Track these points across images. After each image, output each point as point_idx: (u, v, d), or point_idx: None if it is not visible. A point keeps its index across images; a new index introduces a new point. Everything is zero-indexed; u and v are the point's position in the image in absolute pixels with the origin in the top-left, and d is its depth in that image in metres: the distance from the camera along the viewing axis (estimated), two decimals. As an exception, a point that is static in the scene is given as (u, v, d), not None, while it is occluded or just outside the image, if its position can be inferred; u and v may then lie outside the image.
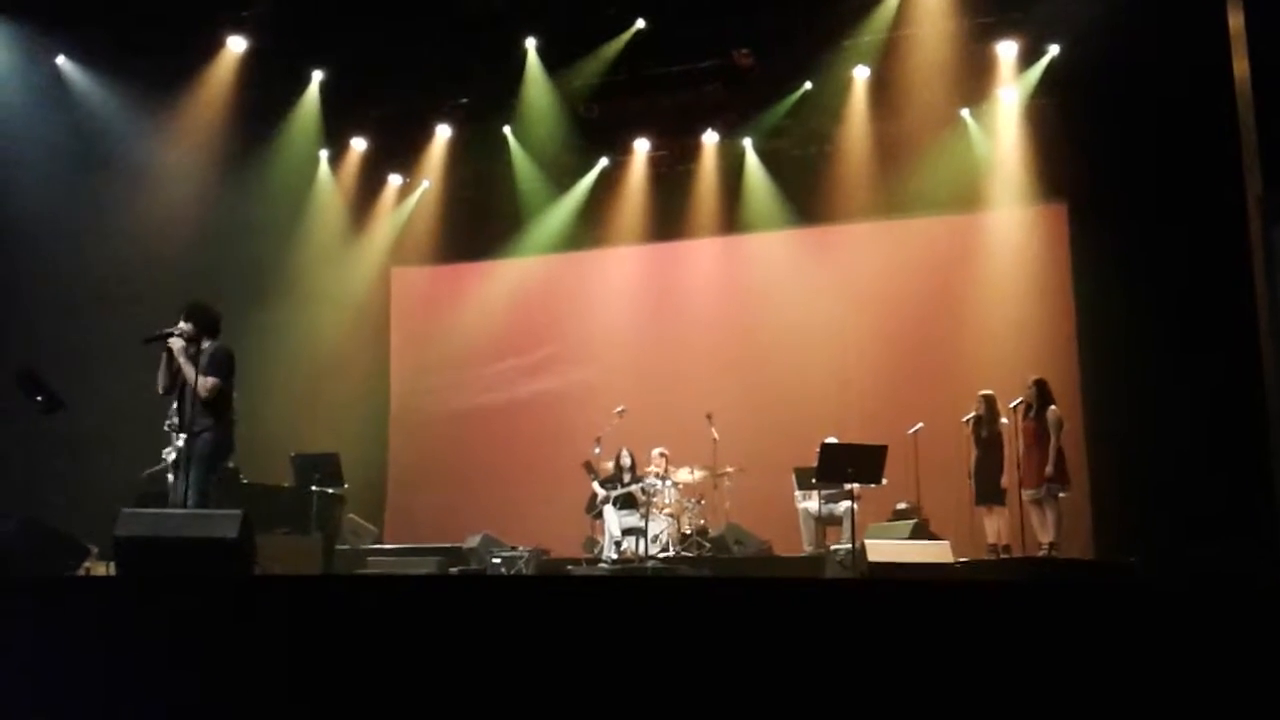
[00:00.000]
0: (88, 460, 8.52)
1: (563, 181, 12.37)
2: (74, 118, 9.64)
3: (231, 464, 9.13)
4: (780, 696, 3.51)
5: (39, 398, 6.74)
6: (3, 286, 8.72)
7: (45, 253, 9.03)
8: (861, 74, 10.74)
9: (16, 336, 8.34)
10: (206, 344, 6.47)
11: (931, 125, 11.01)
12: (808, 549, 9.77)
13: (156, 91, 9.94)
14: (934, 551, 7.36)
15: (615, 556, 9.77)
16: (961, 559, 7.72)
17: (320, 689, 3.84)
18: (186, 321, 6.44)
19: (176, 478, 6.52)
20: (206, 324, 6.51)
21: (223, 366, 6.43)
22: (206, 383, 6.35)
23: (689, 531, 9.97)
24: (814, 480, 9.04)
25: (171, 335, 6.36)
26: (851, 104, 11.00)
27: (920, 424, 9.55)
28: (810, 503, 9.83)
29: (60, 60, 9.73)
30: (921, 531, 8.71)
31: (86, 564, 6.85)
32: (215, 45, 10.13)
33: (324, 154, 12.06)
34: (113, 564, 6.02)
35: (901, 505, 9.53)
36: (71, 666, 3.81)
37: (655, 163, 12.22)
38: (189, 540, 5.47)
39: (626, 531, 9.92)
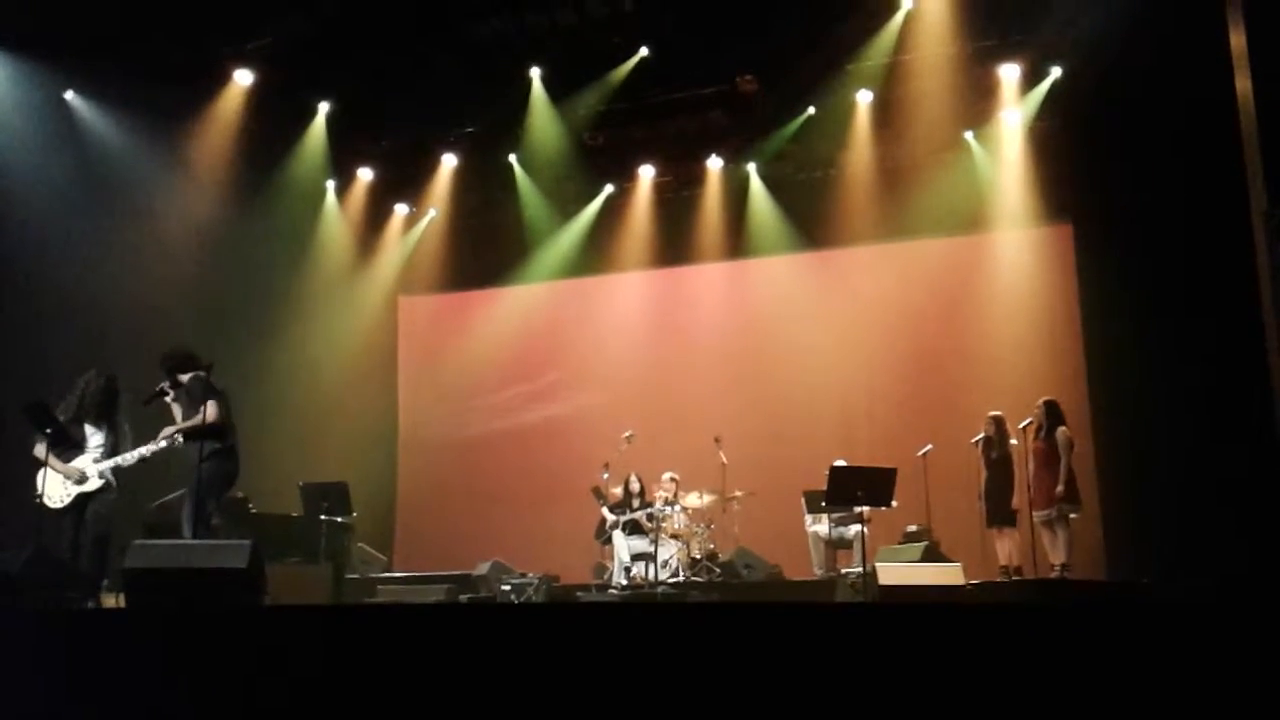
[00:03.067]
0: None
1: (568, 209, 12.46)
2: (82, 152, 9.68)
3: (240, 493, 9.20)
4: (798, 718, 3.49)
5: (48, 429, 6.75)
6: (12, 319, 8.73)
7: (53, 284, 9.04)
8: (864, 98, 10.78)
9: (25, 369, 8.34)
10: (184, 378, 6.79)
11: (935, 148, 11.05)
12: (818, 573, 9.74)
13: (164, 125, 10.00)
14: (945, 574, 7.32)
15: (625, 582, 9.74)
16: (973, 581, 7.69)
17: (331, 719, 3.82)
18: (170, 374, 6.81)
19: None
20: (183, 365, 6.86)
21: (206, 391, 6.69)
22: (211, 411, 6.59)
23: (698, 556, 9.94)
24: (824, 504, 9.00)
25: (167, 392, 6.77)
26: (855, 128, 11.04)
27: (929, 446, 9.53)
28: (820, 526, 9.79)
29: (69, 95, 9.79)
30: (933, 554, 8.66)
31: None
32: (222, 78, 10.22)
33: (331, 184, 12.14)
34: (122, 595, 6.02)
35: (912, 528, 9.49)
36: (82, 699, 3.80)
37: (660, 189, 12.28)
38: (198, 571, 5.47)
39: (636, 557, 9.90)
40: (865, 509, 8.58)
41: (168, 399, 6.82)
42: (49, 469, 6.77)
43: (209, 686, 3.83)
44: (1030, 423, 8.82)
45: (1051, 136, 10.58)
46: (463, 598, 9.41)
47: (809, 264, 11.91)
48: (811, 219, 11.64)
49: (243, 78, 10.27)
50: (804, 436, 11.05)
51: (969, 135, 10.99)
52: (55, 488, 6.78)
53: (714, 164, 11.88)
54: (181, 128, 10.18)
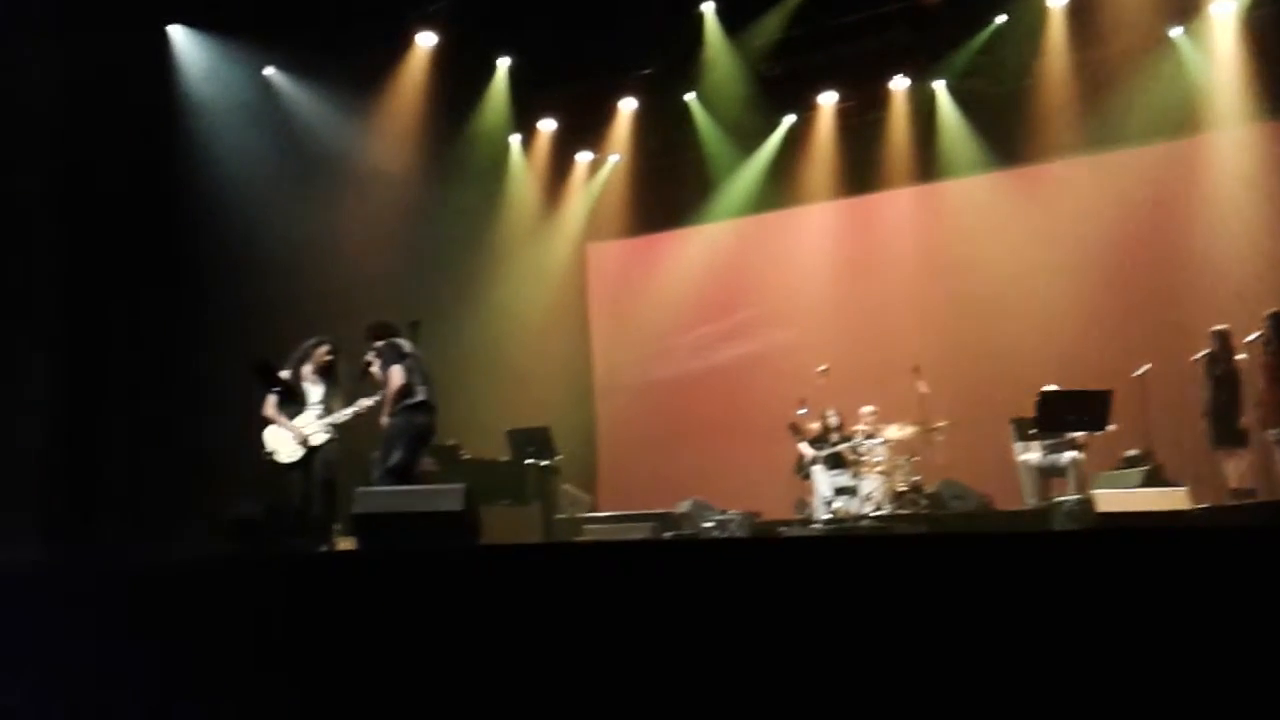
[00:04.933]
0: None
1: (749, 143, 12.26)
2: (283, 125, 10.15)
3: (452, 441, 9.66)
4: (1014, 652, 3.39)
5: (275, 388, 7.21)
6: (228, 288, 9.26)
7: (263, 254, 9.41)
8: (1058, 1, 10.15)
9: (242, 333, 8.85)
10: (381, 344, 7.23)
11: (1139, 49, 10.33)
12: (1030, 502, 9.40)
13: (356, 93, 10.39)
14: (1169, 498, 6.97)
15: (828, 516, 9.69)
16: (1201, 505, 7.27)
17: (548, 650, 3.98)
18: (371, 343, 7.29)
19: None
20: (380, 334, 7.33)
21: (394, 357, 7.15)
22: (396, 376, 7.08)
23: (903, 489, 9.75)
24: (1033, 430, 8.68)
25: (371, 363, 7.24)
26: (1049, 34, 10.44)
27: (1148, 365, 9.02)
28: (1031, 454, 9.43)
29: (268, 71, 10.27)
30: (1155, 479, 8.24)
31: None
32: (406, 42, 10.52)
33: (515, 138, 12.35)
34: (353, 539, 6.43)
35: (1131, 452, 9.02)
36: (322, 636, 4.08)
37: (843, 115, 11.91)
38: (419, 515, 5.78)
39: (837, 491, 9.81)
40: (1079, 434, 8.24)
41: (372, 368, 7.25)
42: (278, 426, 7.27)
43: (437, 622, 4.04)
44: (1257, 336, 8.22)
45: (1268, 26, 9.70)
46: (666, 535, 9.57)
47: (1006, 182, 11.38)
48: (1007, 135, 11.09)
49: (425, 40, 10.54)
50: (1009, 362, 10.62)
51: (1176, 32, 10.20)
52: (284, 443, 7.27)
53: (899, 85, 11.44)
54: (372, 94, 10.53)
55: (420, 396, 7.10)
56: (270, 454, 7.22)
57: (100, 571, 4.66)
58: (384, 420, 7.10)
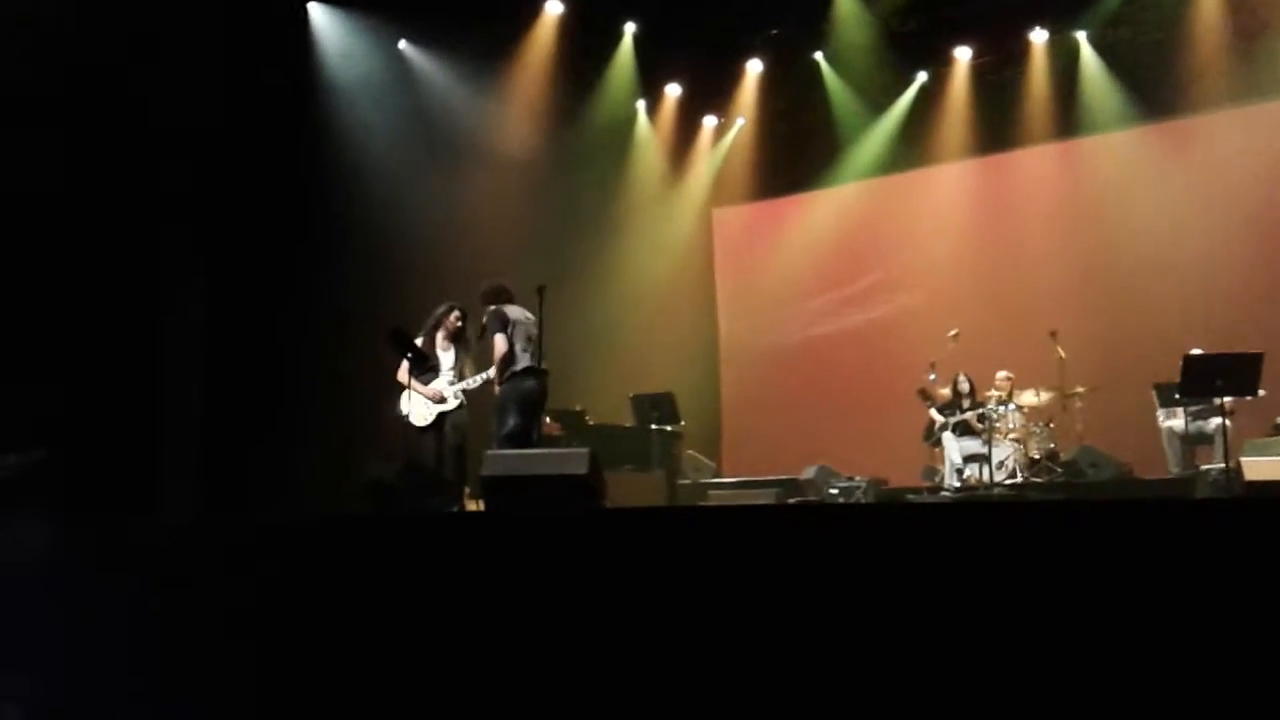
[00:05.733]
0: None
1: (880, 103, 11.97)
2: (417, 98, 10.36)
3: (578, 406, 9.78)
4: (1155, 625, 3.28)
5: (408, 354, 7.42)
6: (367, 258, 9.53)
7: (397, 225, 9.65)
8: (1210, -58, 9.61)
9: (376, 302, 9.11)
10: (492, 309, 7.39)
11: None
12: (1174, 471, 9.02)
13: (486, 62, 10.52)
14: (1325, 468, 6.60)
15: (958, 484, 9.49)
16: (1362, 475, 6.86)
17: (671, 613, 4.02)
18: (486, 307, 7.45)
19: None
20: (493, 298, 7.50)
21: (496, 325, 7.31)
22: (498, 345, 7.24)
23: (1037, 456, 9.48)
24: (1178, 396, 8.32)
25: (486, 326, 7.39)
26: (1201, -21, 9.89)
27: (1302, 327, 8.55)
28: (1175, 421, 9.05)
29: (402, 45, 10.46)
30: (1310, 447, 7.80)
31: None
32: (535, 11, 10.59)
33: (641, 104, 12.35)
34: (482, 501, 6.59)
35: (1284, 419, 8.58)
36: (451, 593, 4.20)
37: (978, 70, 11.51)
38: (545, 477, 5.87)
39: (968, 458, 9.60)
40: (1227, 400, 7.87)
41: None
42: (412, 391, 7.48)
43: (561, 582, 4.12)
44: None
45: None
46: (791, 501, 9.53)
47: (1152, 136, 10.86)
48: (1154, 87, 10.55)
49: (553, 8, 10.59)
50: (1152, 325, 10.20)
51: (1343, -30, 9.55)
52: (419, 407, 7.49)
53: (1038, 37, 10.99)
54: (501, 63, 10.63)
55: (524, 363, 7.21)
56: (405, 417, 7.45)
57: (249, 530, 4.90)
58: (496, 388, 7.25)
